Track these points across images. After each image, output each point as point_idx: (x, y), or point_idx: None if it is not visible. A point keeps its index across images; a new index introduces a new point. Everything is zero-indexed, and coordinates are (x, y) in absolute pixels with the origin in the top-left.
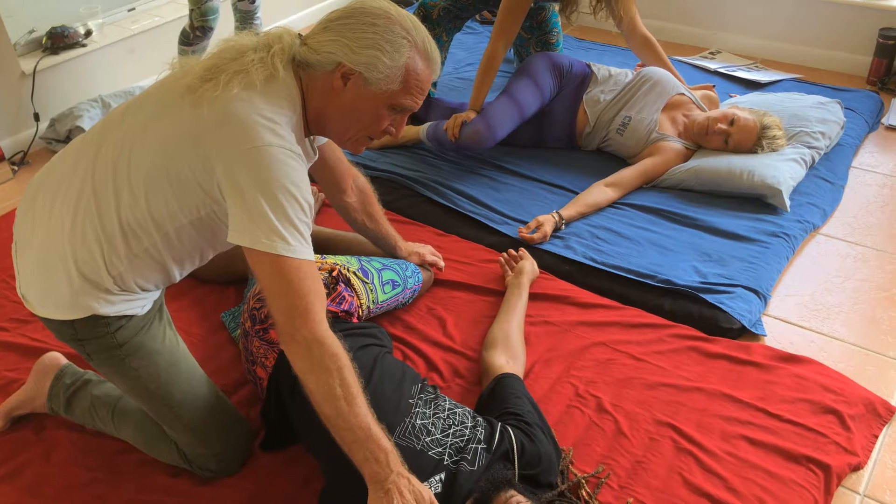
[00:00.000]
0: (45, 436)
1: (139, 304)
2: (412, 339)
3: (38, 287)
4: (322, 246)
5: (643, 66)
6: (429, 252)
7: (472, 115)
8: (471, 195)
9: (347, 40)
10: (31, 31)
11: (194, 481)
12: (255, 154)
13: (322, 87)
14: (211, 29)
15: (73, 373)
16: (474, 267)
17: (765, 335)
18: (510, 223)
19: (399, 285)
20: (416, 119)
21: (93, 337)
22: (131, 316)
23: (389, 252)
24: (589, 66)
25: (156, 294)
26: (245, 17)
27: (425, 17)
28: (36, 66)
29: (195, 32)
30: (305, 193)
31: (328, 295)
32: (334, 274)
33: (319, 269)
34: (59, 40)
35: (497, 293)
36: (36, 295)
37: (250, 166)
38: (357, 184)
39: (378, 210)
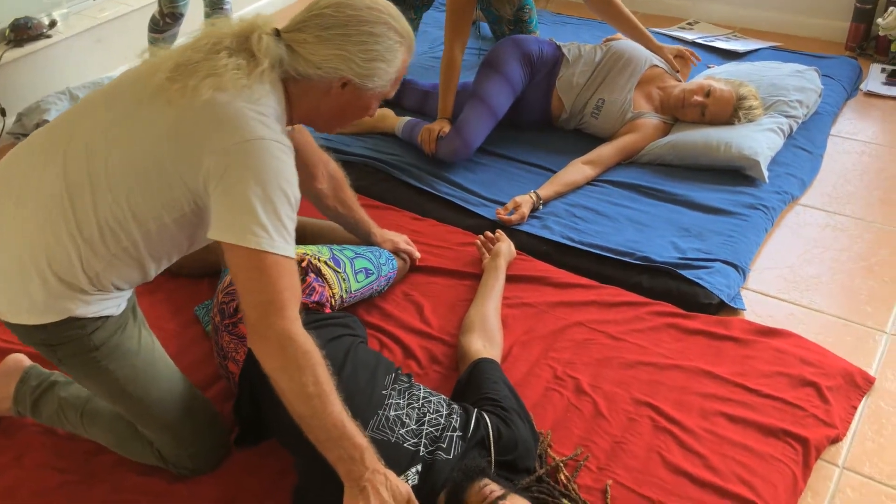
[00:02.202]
0: (17, 439)
1: (115, 304)
2: (389, 326)
3: (6, 291)
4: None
5: (611, 40)
6: (403, 241)
7: (446, 126)
8: (447, 177)
9: (350, 55)
10: None
11: (168, 479)
12: (248, 147)
13: (316, 91)
14: (181, 15)
15: (38, 374)
16: (451, 251)
17: (744, 309)
18: (487, 205)
19: (373, 273)
20: (388, 101)
21: (67, 341)
22: (107, 317)
23: (364, 239)
24: (559, 47)
25: (129, 293)
26: (214, 4)
27: None
28: None
29: (165, 19)
30: (294, 189)
31: None
32: (303, 265)
33: None
34: (22, 32)
35: (475, 276)
36: (3, 300)
37: (243, 160)
38: (328, 170)
39: (350, 196)
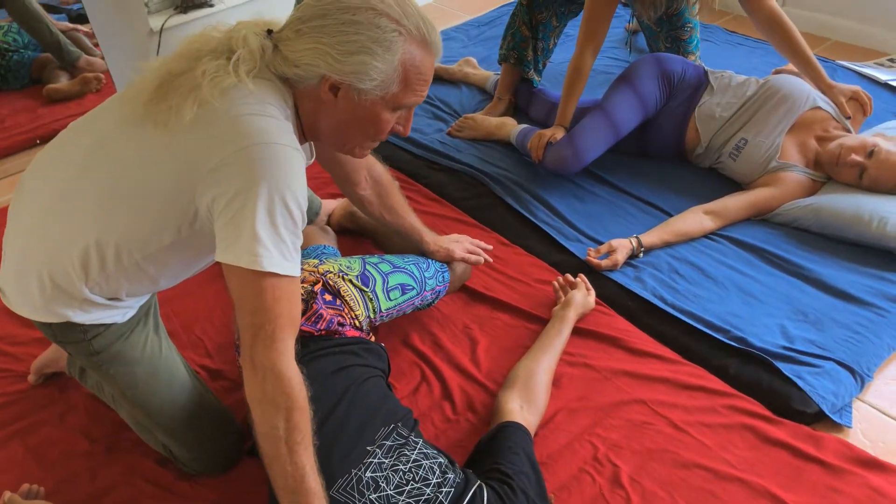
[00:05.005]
0: (66, 396)
1: (119, 313)
2: (436, 358)
3: (14, 285)
4: (369, 231)
5: (782, 71)
6: (460, 249)
7: (560, 133)
8: (549, 203)
9: (328, 47)
10: None
11: (177, 474)
12: (242, 155)
13: (310, 98)
14: None
15: None
16: (528, 287)
17: (849, 426)
18: (583, 241)
19: (412, 289)
20: (517, 110)
21: (70, 341)
22: (110, 324)
23: (416, 248)
24: (707, 72)
25: (142, 300)
26: None
27: None
28: (163, 25)
29: None
30: (301, 200)
31: (303, 313)
32: (316, 288)
33: (303, 282)
34: (189, 0)
35: (543, 322)
36: (12, 292)
37: (236, 171)
38: (373, 174)
39: (399, 202)
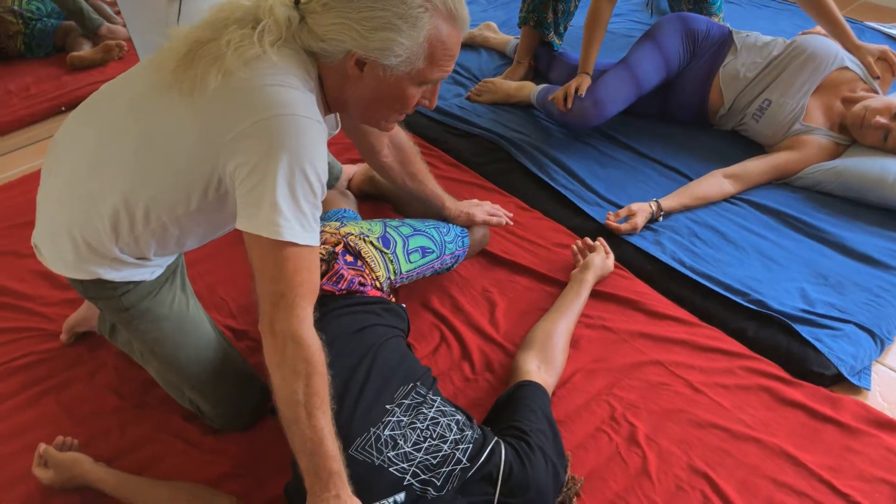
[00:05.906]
0: (96, 356)
1: (148, 271)
2: (456, 320)
3: (49, 243)
4: (389, 196)
5: (808, 34)
6: (481, 212)
7: (585, 81)
8: (569, 167)
9: (354, 23)
10: None
11: (202, 430)
12: (264, 126)
13: (335, 72)
14: None
15: None
16: (547, 251)
17: (868, 389)
18: (602, 206)
19: (432, 252)
20: (537, 73)
21: (100, 297)
22: (139, 282)
23: (437, 214)
24: (732, 32)
25: (169, 259)
26: None
27: None
28: None
29: None
30: (321, 172)
31: (325, 273)
32: (338, 249)
33: (325, 243)
34: None
35: (561, 285)
36: (47, 249)
37: (257, 142)
38: (395, 141)
39: (420, 168)
